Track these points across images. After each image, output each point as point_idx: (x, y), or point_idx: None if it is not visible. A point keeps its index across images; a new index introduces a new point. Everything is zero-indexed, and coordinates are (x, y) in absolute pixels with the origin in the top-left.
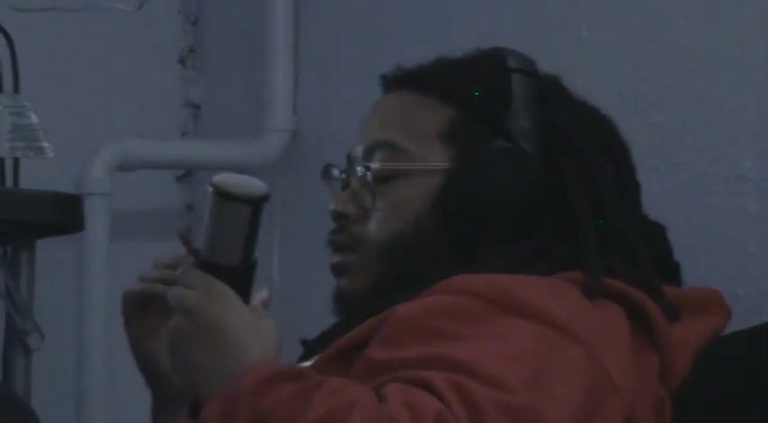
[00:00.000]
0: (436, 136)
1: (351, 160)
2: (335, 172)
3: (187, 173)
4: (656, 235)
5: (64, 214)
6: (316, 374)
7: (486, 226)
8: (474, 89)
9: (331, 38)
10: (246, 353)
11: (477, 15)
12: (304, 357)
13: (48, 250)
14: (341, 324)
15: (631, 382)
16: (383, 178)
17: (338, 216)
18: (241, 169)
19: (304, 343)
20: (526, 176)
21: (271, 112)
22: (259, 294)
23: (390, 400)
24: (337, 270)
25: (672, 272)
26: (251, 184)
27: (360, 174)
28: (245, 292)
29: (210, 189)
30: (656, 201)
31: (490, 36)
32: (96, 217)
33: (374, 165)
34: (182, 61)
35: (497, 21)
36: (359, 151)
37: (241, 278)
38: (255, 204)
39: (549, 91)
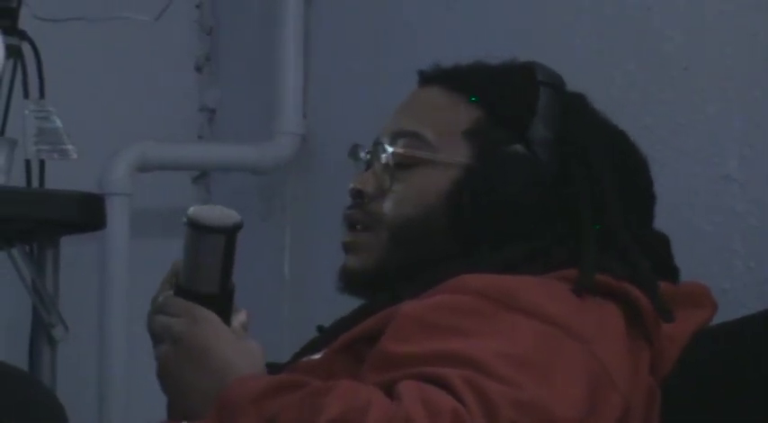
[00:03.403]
0: (461, 133)
1: (377, 144)
2: (362, 153)
3: (203, 174)
4: (659, 243)
5: (87, 213)
6: (315, 381)
7: (491, 224)
8: (504, 95)
9: (339, 47)
10: (235, 371)
11: (477, 24)
12: (312, 348)
13: (72, 247)
14: (347, 319)
15: (628, 378)
16: (404, 165)
17: (356, 193)
18: (254, 170)
19: (320, 329)
20: (536, 182)
21: (282, 116)
22: (238, 317)
23: (405, 399)
24: (347, 247)
25: (671, 275)
26: (225, 215)
27: (383, 157)
28: (224, 317)
29: (185, 221)
30: None
31: (488, 43)
32: (117, 215)
33: (397, 150)
34: (198, 68)
35: (495, 29)
36: (386, 136)
37: (220, 304)
38: (230, 234)
39: (573, 106)
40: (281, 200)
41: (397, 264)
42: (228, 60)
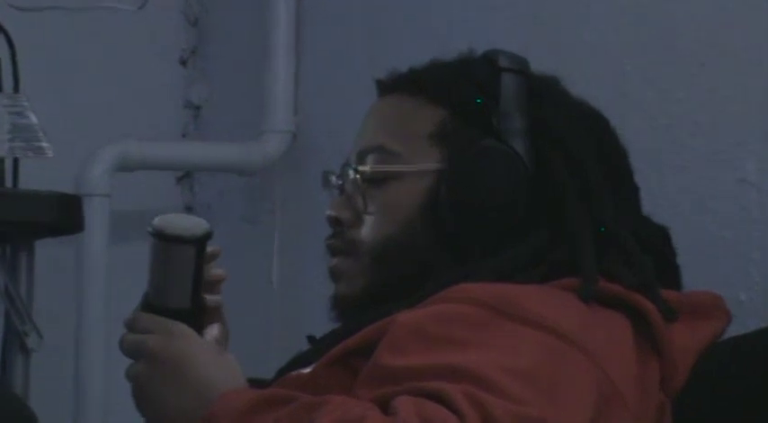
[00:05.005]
0: (427, 138)
1: (344, 166)
2: (333, 178)
3: (187, 174)
4: (658, 238)
5: (63, 214)
6: (305, 396)
7: (477, 227)
8: (463, 89)
9: (333, 39)
10: (217, 386)
11: (480, 18)
12: (301, 361)
13: (47, 251)
14: (339, 331)
15: (637, 393)
16: (375, 182)
17: (333, 221)
18: (241, 171)
19: (311, 339)
20: (515, 175)
21: (271, 113)
22: (211, 331)
23: (402, 415)
24: (334, 275)
25: (672, 275)
26: (192, 224)
27: (351, 178)
28: (198, 331)
29: (150, 231)
30: (659, 204)
31: (492, 38)
32: (96, 217)
33: (363, 168)
34: (182, 62)
35: (500, 23)
36: (353, 157)
37: (193, 318)
38: (200, 243)
39: (542, 90)
40: (269, 202)
41: (385, 283)
42: (215, 53)
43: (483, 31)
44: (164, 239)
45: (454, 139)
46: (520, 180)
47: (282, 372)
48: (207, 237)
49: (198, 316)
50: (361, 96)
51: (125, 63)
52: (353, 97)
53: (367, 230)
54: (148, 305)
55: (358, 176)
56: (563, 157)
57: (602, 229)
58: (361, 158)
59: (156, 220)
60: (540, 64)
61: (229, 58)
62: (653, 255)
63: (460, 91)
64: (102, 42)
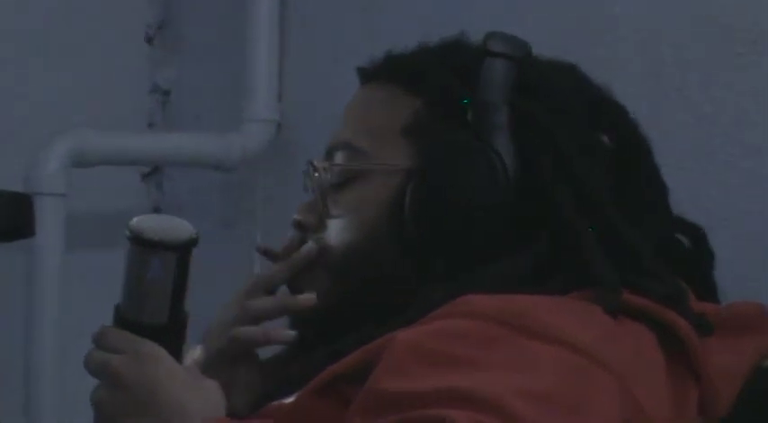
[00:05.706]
0: (399, 132)
1: (307, 164)
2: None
3: (154, 170)
4: (691, 240)
5: (11, 217)
6: None
7: (442, 236)
8: (440, 76)
9: (323, 14)
10: (190, 415)
11: None
12: (283, 389)
13: None
14: (325, 354)
15: (668, 417)
16: (339, 183)
17: (296, 225)
18: (218, 166)
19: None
20: (491, 176)
21: (252, 99)
22: (192, 354)
23: None
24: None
25: (707, 284)
26: (177, 227)
27: (313, 178)
28: (175, 353)
29: (128, 235)
30: (701, 204)
31: (512, 16)
32: (49, 220)
33: (320, 165)
34: (149, 40)
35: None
36: (324, 154)
37: (169, 337)
38: (184, 251)
39: (536, 79)
40: (250, 201)
41: (347, 298)
42: (187, 30)
43: (498, 8)
44: (141, 244)
45: (429, 133)
46: (496, 181)
47: (261, 401)
48: (192, 243)
49: (176, 334)
50: (353, 81)
51: (82, 41)
52: (346, 82)
53: (330, 237)
54: (120, 318)
55: (316, 176)
56: (551, 156)
57: (606, 233)
58: (329, 156)
59: (135, 221)
60: (564, 42)
61: (203, 35)
62: (681, 262)
63: (437, 78)
64: (55, 17)
